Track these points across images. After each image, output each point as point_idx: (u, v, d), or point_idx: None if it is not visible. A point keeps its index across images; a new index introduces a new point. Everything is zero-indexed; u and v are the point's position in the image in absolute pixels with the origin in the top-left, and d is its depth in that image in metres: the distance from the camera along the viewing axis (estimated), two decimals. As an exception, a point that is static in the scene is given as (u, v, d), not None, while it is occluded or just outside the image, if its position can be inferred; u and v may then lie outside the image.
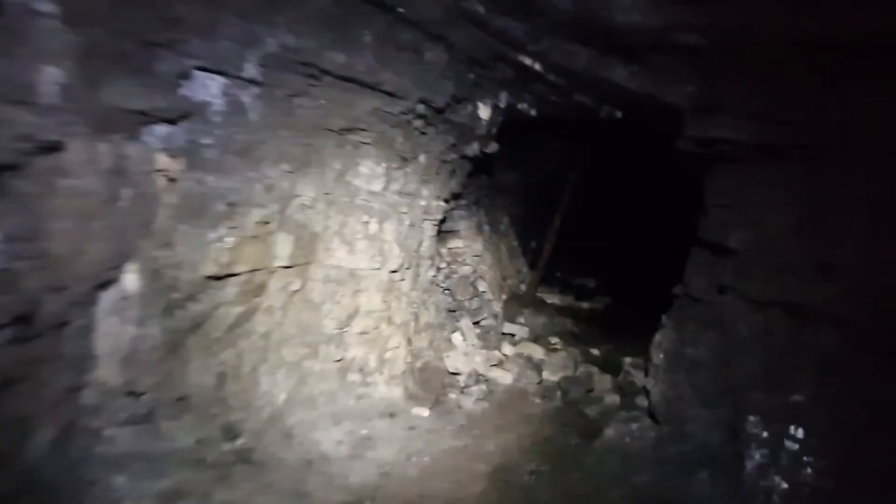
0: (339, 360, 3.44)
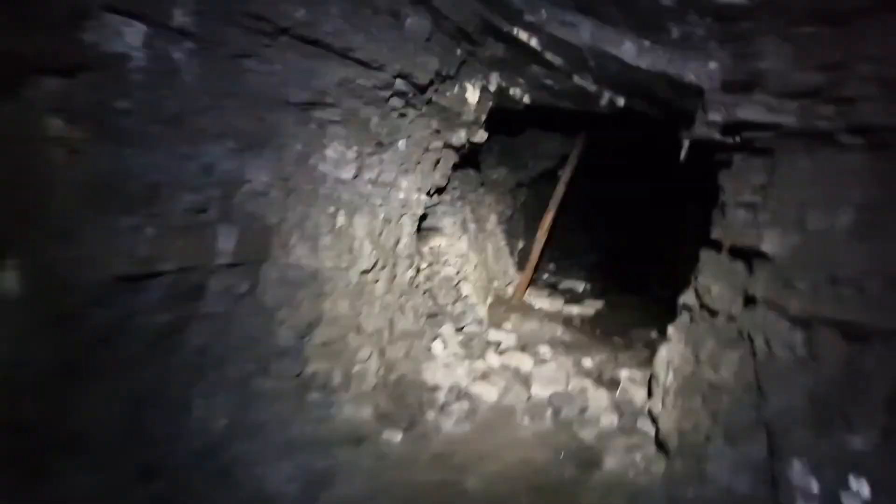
0: (295, 377, 2.83)
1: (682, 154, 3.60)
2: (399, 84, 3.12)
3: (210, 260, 2.45)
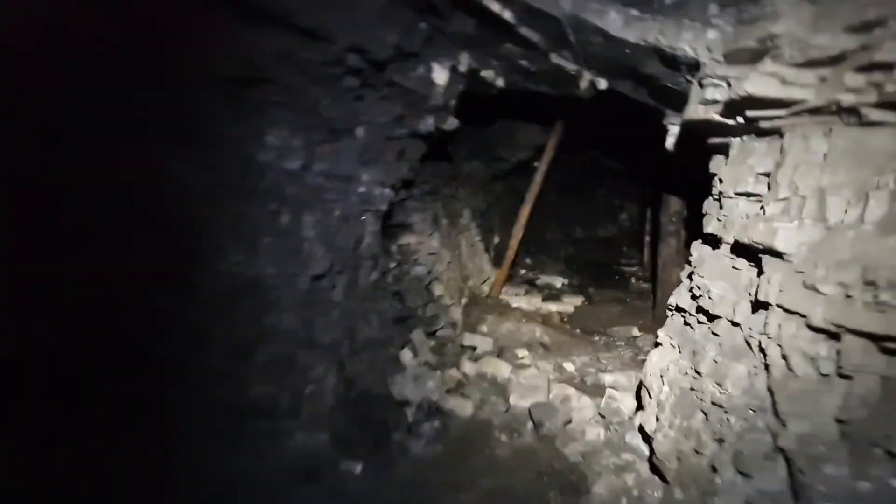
0: (232, 405, 2.38)
1: (671, 140, 3.26)
2: (353, 59, 2.66)
3: (123, 270, 1.97)
